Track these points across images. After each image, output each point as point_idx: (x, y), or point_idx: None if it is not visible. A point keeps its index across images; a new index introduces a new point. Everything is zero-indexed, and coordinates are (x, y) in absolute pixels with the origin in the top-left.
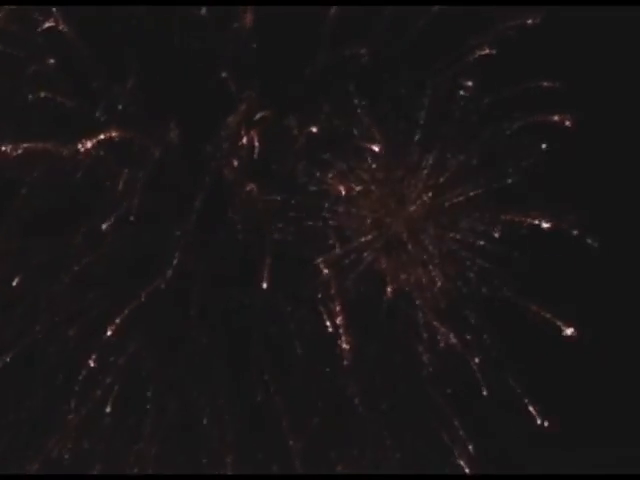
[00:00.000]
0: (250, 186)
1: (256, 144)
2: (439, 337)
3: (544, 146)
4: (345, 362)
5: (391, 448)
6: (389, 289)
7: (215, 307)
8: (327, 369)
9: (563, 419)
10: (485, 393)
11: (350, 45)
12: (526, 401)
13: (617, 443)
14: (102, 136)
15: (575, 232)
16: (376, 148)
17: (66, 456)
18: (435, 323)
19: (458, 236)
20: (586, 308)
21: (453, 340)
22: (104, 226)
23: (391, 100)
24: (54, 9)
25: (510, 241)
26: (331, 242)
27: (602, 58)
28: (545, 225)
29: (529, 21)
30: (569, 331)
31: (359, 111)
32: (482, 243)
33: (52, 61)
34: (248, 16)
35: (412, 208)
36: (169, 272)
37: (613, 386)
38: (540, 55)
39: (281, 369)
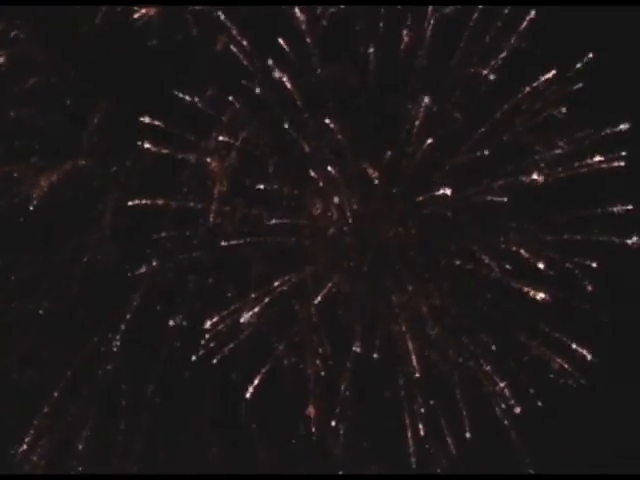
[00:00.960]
0: (232, 203)
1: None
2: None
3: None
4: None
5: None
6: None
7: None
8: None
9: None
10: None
11: (338, 61)
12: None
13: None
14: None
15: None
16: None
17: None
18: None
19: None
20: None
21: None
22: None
23: (378, 116)
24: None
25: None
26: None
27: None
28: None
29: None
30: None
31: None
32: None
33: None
34: (221, 39)
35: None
36: (147, 289)
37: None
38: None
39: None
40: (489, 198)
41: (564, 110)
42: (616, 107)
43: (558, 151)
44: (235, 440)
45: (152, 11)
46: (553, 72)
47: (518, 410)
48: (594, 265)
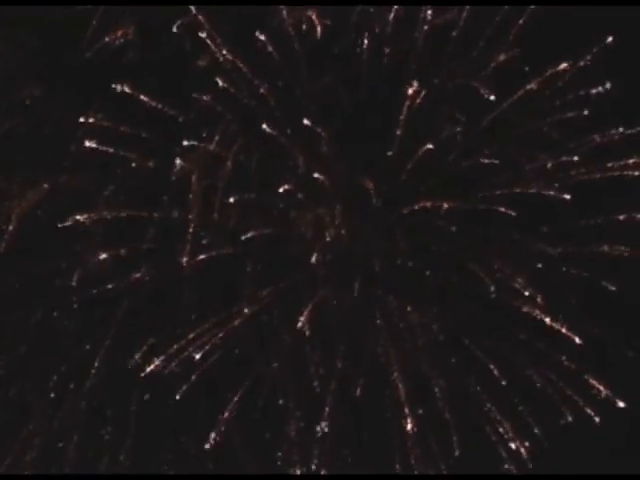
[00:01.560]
0: (220, 213)
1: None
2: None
3: None
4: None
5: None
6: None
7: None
8: None
9: None
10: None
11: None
12: None
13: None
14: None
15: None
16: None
17: None
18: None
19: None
20: None
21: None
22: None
23: (368, 127)
24: None
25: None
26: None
27: None
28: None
29: None
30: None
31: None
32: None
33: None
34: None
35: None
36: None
37: None
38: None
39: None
40: (481, 208)
41: (560, 116)
42: (611, 114)
43: (550, 162)
44: (219, 446)
45: (131, 30)
46: (539, 81)
47: (507, 426)
48: (585, 275)
